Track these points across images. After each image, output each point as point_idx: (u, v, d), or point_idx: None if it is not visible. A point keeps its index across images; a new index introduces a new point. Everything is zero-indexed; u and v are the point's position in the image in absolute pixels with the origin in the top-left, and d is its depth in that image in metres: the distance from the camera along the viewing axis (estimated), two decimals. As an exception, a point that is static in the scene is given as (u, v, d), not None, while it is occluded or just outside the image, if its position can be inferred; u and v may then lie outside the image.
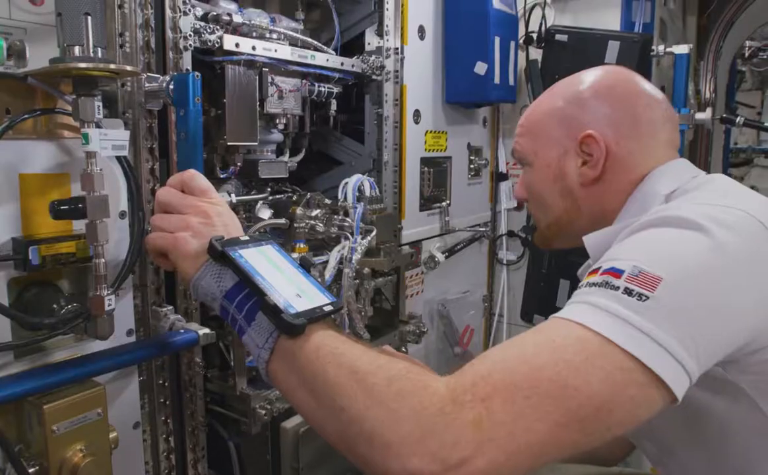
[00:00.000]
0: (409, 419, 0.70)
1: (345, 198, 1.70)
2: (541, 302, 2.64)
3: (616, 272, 0.79)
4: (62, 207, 0.95)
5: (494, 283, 2.80)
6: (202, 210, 0.93)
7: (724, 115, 2.51)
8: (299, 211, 1.61)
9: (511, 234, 2.73)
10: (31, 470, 0.99)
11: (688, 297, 0.76)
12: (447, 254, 2.31)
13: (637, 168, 1.05)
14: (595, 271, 0.82)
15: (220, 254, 0.87)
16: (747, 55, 5.92)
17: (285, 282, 0.88)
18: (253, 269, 0.87)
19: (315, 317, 0.83)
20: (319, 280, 1.49)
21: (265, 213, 1.60)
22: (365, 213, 1.67)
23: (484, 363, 0.74)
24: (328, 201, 1.68)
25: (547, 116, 1.14)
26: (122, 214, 1.14)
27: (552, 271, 2.57)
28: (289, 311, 0.81)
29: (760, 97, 7.04)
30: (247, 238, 0.93)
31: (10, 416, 1.02)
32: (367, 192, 1.74)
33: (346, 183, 1.72)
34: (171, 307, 1.27)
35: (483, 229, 2.58)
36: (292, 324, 0.80)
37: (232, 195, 1.57)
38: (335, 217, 1.63)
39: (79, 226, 1.05)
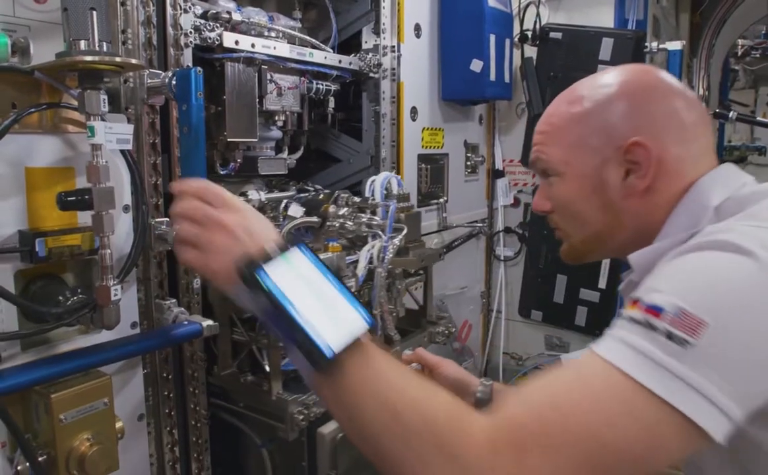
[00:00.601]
0: (446, 464, 0.72)
1: (372, 196, 1.68)
2: (538, 297, 2.67)
3: (657, 311, 0.76)
4: (69, 198, 0.97)
5: (492, 279, 2.83)
6: (224, 225, 0.91)
7: (718, 110, 2.54)
8: (332, 209, 1.56)
9: (508, 230, 2.76)
10: (39, 459, 1.01)
11: (732, 342, 0.73)
12: (445, 250, 2.32)
13: (686, 176, 0.96)
14: (636, 302, 0.79)
15: (249, 282, 0.86)
16: (740, 53, 5.96)
17: (317, 305, 0.86)
18: (284, 295, 0.85)
19: (349, 347, 0.82)
20: (352, 280, 1.48)
21: (296, 211, 1.58)
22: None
23: (522, 407, 0.75)
24: (357, 199, 1.65)
25: (577, 122, 1.02)
26: (126, 208, 1.16)
27: (549, 266, 2.60)
28: (322, 351, 0.80)
29: (754, 95, 7.09)
30: (274, 248, 0.91)
31: (17, 406, 1.04)
32: (395, 190, 1.71)
33: (374, 180, 1.70)
34: (174, 300, 1.29)
35: (480, 225, 2.60)
36: (326, 364, 0.80)
37: (261, 193, 1.57)
38: (361, 215, 1.59)
39: (83, 219, 1.06)
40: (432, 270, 1.87)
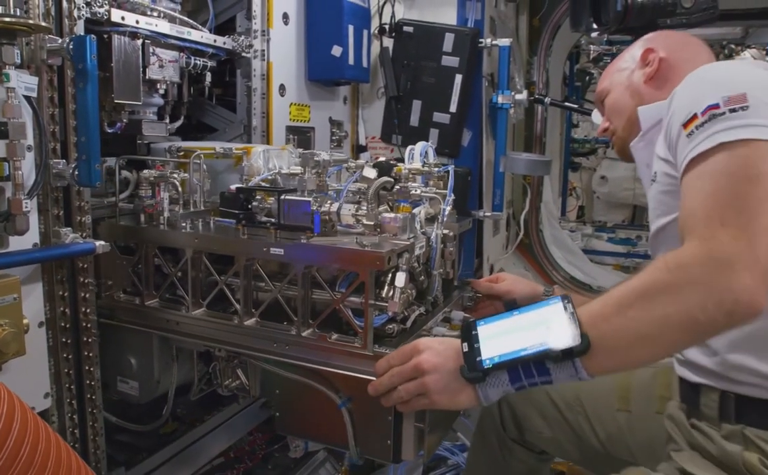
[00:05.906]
0: (712, 270, 0.93)
1: (412, 162, 1.71)
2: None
3: (714, 106, 1.02)
4: (-11, 128, 1.23)
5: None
6: (422, 367, 1.16)
7: (536, 96, 3.05)
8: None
9: (371, 199, 3.14)
10: (-40, 341, 1.26)
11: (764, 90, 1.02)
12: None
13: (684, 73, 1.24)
14: (691, 120, 1.05)
15: (483, 376, 1.07)
16: (592, 57, 6.68)
17: (530, 331, 1.06)
18: (511, 352, 1.04)
19: (582, 325, 1.02)
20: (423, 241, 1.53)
21: (370, 173, 1.61)
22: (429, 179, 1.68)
23: (692, 220, 1.00)
24: (408, 166, 1.67)
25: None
26: (29, 148, 1.41)
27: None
28: (572, 347, 0.99)
29: (609, 96, 7.88)
30: (467, 341, 1.11)
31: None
32: (431, 158, 1.77)
33: (413, 149, 1.74)
34: (70, 228, 1.55)
35: (345, 192, 2.96)
36: (583, 349, 0.99)
37: (328, 154, 1.62)
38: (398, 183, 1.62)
39: (-5, 152, 1.32)
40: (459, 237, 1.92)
